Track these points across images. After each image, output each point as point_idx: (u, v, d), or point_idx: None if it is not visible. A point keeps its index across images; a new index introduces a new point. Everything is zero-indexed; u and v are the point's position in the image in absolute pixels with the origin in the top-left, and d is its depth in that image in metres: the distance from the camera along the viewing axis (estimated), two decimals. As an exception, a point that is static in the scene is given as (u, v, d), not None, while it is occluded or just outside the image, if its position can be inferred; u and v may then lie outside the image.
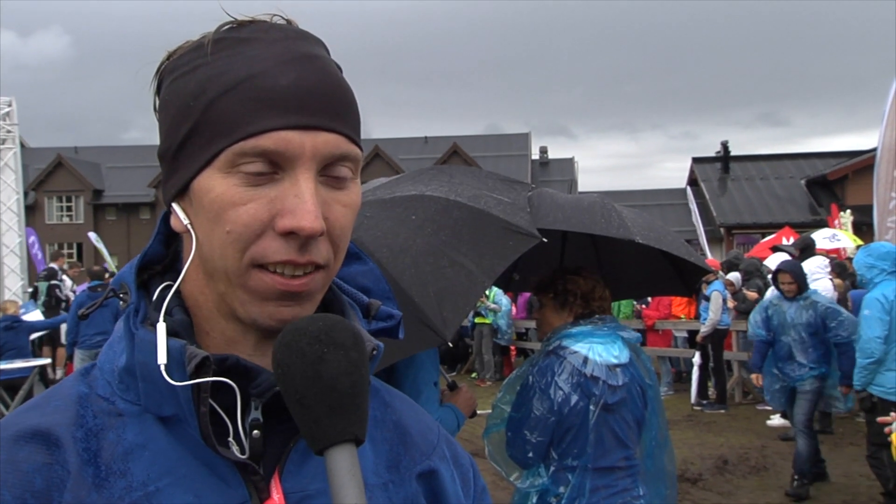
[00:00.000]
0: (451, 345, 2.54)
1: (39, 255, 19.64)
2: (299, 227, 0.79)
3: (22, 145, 13.12)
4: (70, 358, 10.71)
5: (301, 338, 0.76)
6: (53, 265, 14.95)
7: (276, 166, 0.81)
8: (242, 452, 0.84)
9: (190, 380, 0.80)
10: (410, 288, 2.43)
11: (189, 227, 0.85)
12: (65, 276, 15.00)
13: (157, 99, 0.90)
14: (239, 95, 0.81)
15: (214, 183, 0.82)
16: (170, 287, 0.89)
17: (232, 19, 0.87)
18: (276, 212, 0.80)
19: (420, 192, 2.84)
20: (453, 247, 2.59)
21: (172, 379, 0.79)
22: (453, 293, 2.50)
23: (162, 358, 0.80)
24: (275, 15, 0.88)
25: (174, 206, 0.88)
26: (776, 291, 7.39)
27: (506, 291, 12.45)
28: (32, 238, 20.56)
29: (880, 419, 3.97)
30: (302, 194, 0.80)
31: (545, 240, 2.68)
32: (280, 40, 0.84)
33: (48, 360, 12.02)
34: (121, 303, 0.89)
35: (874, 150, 9.77)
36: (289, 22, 0.88)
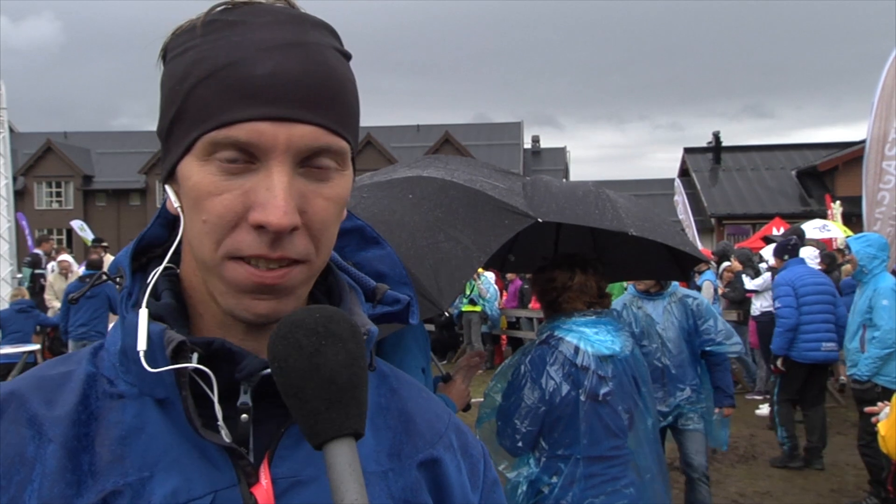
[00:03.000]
0: (446, 314, 2.55)
1: (30, 241, 19.54)
2: (267, 222, 0.77)
3: (11, 130, 13.01)
4: (65, 346, 10.70)
5: (297, 330, 0.74)
6: (38, 251, 14.86)
7: (252, 156, 0.79)
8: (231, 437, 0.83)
9: (173, 363, 0.79)
10: (407, 260, 2.44)
11: (179, 210, 0.85)
12: (52, 263, 14.91)
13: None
14: (216, 83, 0.79)
15: (193, 170, 0.81)
16: (165, 270, 0.88)
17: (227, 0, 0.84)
18: (250, 204, 0.79)
19: (417, 174, 2.86)
20: (449, 223, 2.61)
21: (155, 363, 0.79)
22: (449, 266, 2.51)
23: (142, 344, 0.80)
24: None
25: (167, 187, 0.87)
26: (630, 291, 5.51)
27: (501, 272, 12.42)
28: (23, 223, 20.44)
29: (868, 409, 3.97)
30: (273, 188, 0.78)
31: (540, 219, 2.69)
32: (267, 25, 0.81)
33: (37, 347, 11.98)
34: (116, 287, 0.89)
35: (863, 141, 9.80)
36: (289, 4, 0.85)
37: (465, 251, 2.55)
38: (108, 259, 13.08)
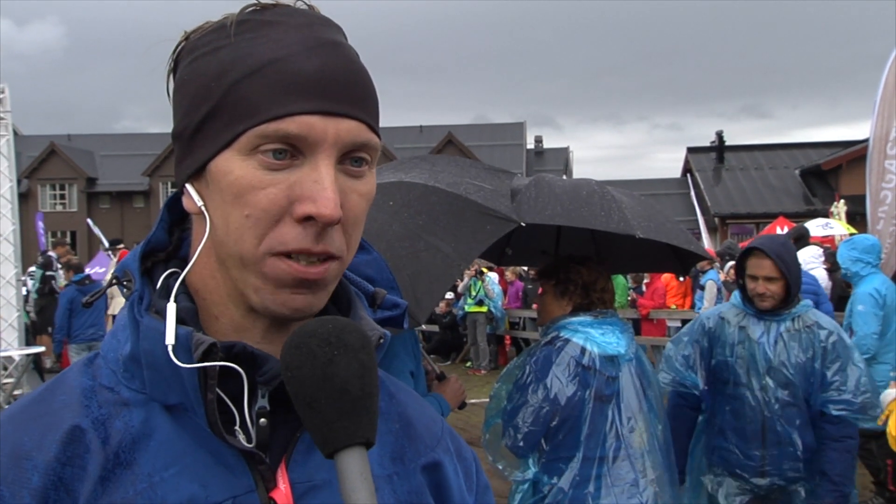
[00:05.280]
0: (423, 327, 2.53)
1: (42, 242, 19.52)
2: (318, 213, 0.78)
3: (15, 133, 13.02)
4: (59, 356, 10.58)
5: (311, 340, 0.75)
6: (52, 254, 14.84)
7: (297, 151, 0.80)
8: (249, 441, 0.83)
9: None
10: None
11: (203, 208, 0.84)
12: (61, 269, 14.91)
13: (171, 79, 0.89)
14: (263, 78, 0.80)
15: (234, 165, 0.81)
16: (175, 273, 0.88)
17: (255, 1, 0.86)
18: (295, 197, 0.79)
19: (399, 179, 2.85)
20: (430, 231, 2.60)
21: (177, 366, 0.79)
22: (428, 276, 2.50)
23: (170, 338, 0.79)
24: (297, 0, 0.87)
25: (188, 186, 0.86)
26: (732, 301, 3.76)
27: (498, 266, 12.47)
28: (40, 224, 20.44)
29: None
30: (322, 180, 0.79)
31: (523, 223, 2.69)
32: (305, 25, 0.84)
33: (42, 349, 11.98)
34: (124, 290, 0.88)
35: (867, 140, 9.78)
36: (311, 7, 0.87)
37: (445, 259, 2.54)
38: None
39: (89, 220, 21.00)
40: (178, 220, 0.94)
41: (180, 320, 0.83)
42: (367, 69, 0.87)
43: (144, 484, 0.79)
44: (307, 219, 0.79)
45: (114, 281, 0.91)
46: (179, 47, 0.88)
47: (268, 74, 0.80)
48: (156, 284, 0.89)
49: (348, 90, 0.82)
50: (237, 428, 0.83)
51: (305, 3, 0.87)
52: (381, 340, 0.87)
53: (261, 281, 0.82)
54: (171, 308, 0.82)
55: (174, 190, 0.91)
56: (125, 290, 0.88)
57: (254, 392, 0.84)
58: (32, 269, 14.96)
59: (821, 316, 3.61)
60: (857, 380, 3.41)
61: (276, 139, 0.79)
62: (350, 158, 0.83)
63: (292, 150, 0.80)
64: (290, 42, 0.82)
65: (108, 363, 0.87)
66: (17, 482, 0.77)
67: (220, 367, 0.81)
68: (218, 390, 0.82)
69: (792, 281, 3.50)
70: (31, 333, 14.26)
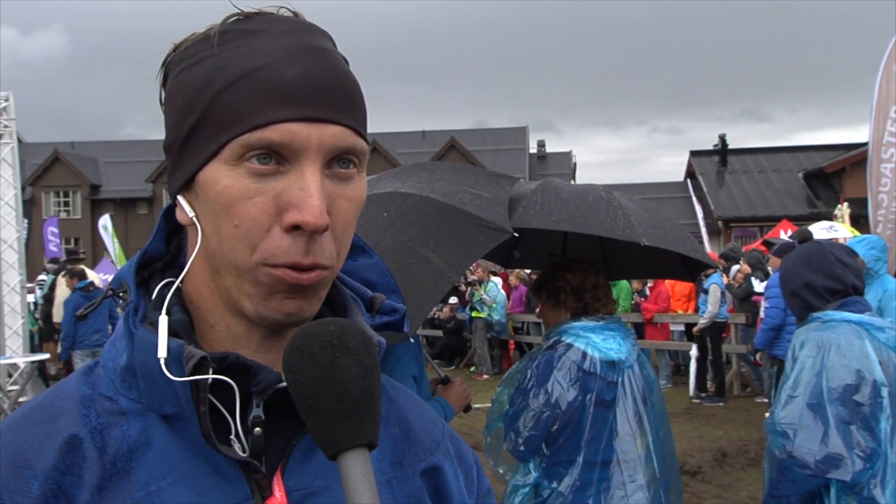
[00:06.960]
0: (411, 340, 2.66)
1: (56, 248, 19.47)
2: (304, 221, 0.78)
3: (19, 140, 13.06)
4: (67, 363, 10.55)
5: (312, 342, 0.75)
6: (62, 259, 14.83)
7: (283, 159, 0.80)
8: (244, 450, 0.83)
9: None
10: None
11: (195, 219, 0.85)
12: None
13: (162, 91, 0.89)
14: (245, 87, 0.80)
15: (220, 175, 0.81)
16: (170, 284, 0.88)
17: (238, 11, 0.86)
18: (283, 205, 0.79)
19: (396, 188, 2.85)
20: (421, 243, 2.60)
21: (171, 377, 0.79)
22: (418, 288, 2.50)
23: (163, 351, 0.80)
24: (281, 7, 0.87)
25: (179, 198, 0.87)
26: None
27: (505, 268, 12.46)
28: (52, 229, 20.38)
29: None
30: (307, 187, 0.79)
31: (516, 234, 2.69)
32: (287, 32, 0.84)
33: (47, 356, 12.00)
34: (120, 301, 0.89)
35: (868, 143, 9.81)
36: (296, 14, 0.87)
37: (436, 272, 2.55)
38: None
39: (101, 225, 20.92)
40: (175, 228, 0.94)
41: (173, 332, 0.83)
42: (353, 74, 0.87)
43: (141, 493, 0.79)
44: (295, 227, 0.79)
45: (109, 292, 0.91)
46: (168, 59, 0.88)
47: (250, 83, 0.80)
48: (152, 295, 0.89)
49: (331, 95, 0.82)
50: (232, 437, 0.83)
51: (290, 10, 0.87)
52: (377, 347, 0.87)
53: (254, 288, 0.82)
54: (163, 321, 0.82)
55: None
56: (121, 301, 0.89)
57: (248, 401, 0.84)
58: (42, 277, 14.93)
59: (808, 328, 2.99)
60: (783, 401, 2.85)
61: (260, 148, 0.79)
62: (338, 163, 0.83)
63: (278, 158, 0.80)
64: (272, 50, 0.81)
65: (107, 372, 0.88)
66: (17, 491, 0.77)
67: (213, 378, 0.81)
68: (213, 399, 0.82)
69: (782, 288, 3.20)
70: (38, 340, 14.27)
